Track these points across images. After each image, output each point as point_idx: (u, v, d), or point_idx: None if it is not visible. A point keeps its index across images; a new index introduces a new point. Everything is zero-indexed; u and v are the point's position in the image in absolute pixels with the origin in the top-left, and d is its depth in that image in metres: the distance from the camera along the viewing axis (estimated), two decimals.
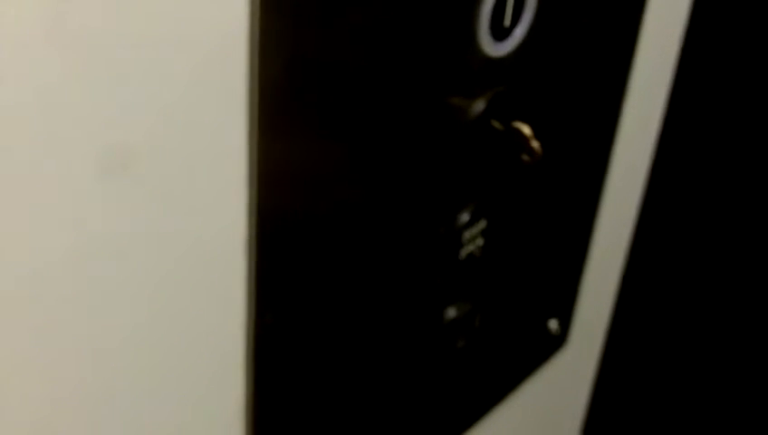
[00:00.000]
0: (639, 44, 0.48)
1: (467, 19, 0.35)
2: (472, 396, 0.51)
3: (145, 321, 0.30)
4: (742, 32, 0.82)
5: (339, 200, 0.35)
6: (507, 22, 0.37)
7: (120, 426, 0.32)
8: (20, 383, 0.28)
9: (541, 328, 0.54)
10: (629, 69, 0.48)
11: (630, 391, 0.99)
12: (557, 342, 0.57)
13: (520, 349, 0.54)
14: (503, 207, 0.44)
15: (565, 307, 0.56)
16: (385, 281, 0.39)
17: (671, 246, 0.93)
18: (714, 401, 0.98)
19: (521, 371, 0.55)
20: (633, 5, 0.46)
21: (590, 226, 0.54)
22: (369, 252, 0.37)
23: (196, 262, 0.31)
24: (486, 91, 0.38)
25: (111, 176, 0.27)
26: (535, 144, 0.38)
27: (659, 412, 1.00)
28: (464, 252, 0.43)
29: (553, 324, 0.55)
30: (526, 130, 0.38)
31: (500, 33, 0.37)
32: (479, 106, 0.38)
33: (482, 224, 0.43)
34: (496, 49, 0.37)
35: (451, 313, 0.44)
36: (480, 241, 0.43)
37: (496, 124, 0.38)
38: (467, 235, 0.42)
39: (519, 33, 0.38)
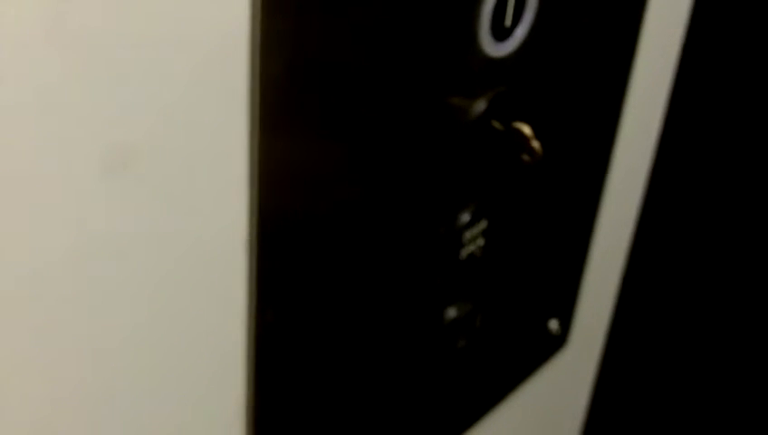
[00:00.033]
0: (640, 45, 0.48)
1: (468, 19, 0.35)
2: (472, 396, 0.51)
3: (145, 320, 0.30)
4: (742, 33, 0.82)
5: (339, 200, 0.35)
6: (508, 22, 0.37)
7: (120, 426, 0.32)
8: (20, 383, 0.28)
9: (541, 328, 0.54)
10: (630, 69, 0.48)
11: (630, 392, 0.99)
12: (557, 342, 0.57)
13: (520, 349, 0.54)
14: (503, 208, 0.44)
15: (565, 308, 0.56)
16: (386, 281, 0.39)
17: (671, 246, 0.93)
18: (714, 401, 0.98)
19: (521, 371, 0.55)
20: (634, 6, 0.46)
21: (590, 226, 0.54)
22: (370, 252, 0.37)
23: (197, 261, 0.31)
24: (487, 91, 0.38)
25: (112, 175, 0.27)
26: (536, 144, 0.38)
27: (659, 412, 1.00)
28: (464, 252, 0.43)
29: (554, 325, 0.55)
30: (527, 130, 0.38)
31: (501, 33, 0.37)
32: (480, 106, 0.38)
33: (482, 224, 0.43)
34: (497, 49, 0.37)
35: (452, 313, 0.44)
36: (481, 241, 0.43)
37: (497, 124, 0.38)
38: (468, 235, 0.42)
39: (520, 33, 0.38)
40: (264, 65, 0.29)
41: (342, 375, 0.40)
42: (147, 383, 0.32)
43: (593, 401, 0.69)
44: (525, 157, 0.38)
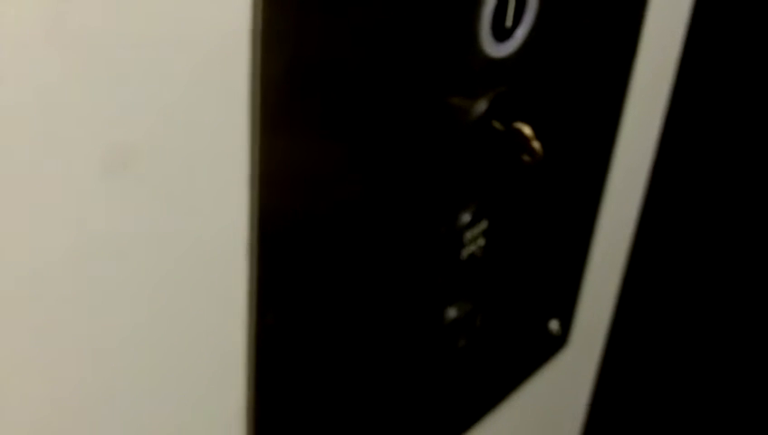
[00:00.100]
0: (641, 45, 0.48)
1: (469, 20, 0.35)
2: (472, 396, 0.51)
3: (145, 321, 0.30)
4: (743, 33, 0.82)
5: (340, 200, 0.35)
6: (509, 22, 0.37)
7: (120, 426, 0.32)
8: (20, 383, 0.28)
9: (541, 329, 0.54)
10: (631, 70, 0.48)
11: (630, 392, 0.99)
12: (558, 342, 0.57)
13: (521, 349, 0.54)
14: (504, 208, 0.44)
15: (566, 308, 0.56)
16: (386, 281, 0.39)
17: (672, 247, 0.93)
18: (714, 401, 0.98)
19: (521, 371, 0.55)
20: (635, 6, 0.46)
21: (591, 226, 0.54)
22: (371, 252, 0.37)
23: (197, 262, 0.31)
24: (488, 91, 0.38)
25: (112, 176, 0.27)
26: (536, 145, 0.38)
27: (659, 413, 1.00)
28: (465, 252, 0.43)
29: (554, 325, 0.55)
30: (527, 130, 0.38)
31: (501, 33, 0.37)
32: (480, 106, 0.38)
33: (483, 224, 0.43)
34: (498, 50, 0.37)
35: (452, 313, 0.44)
36: (481, 241, 0.43)
37: (497, 125, 0.38)
38: (469, 235, 0.42)
39: (520, 33, 0.38)
40: (264, 65, 0.28)
41: (343, 376, 0.40)
42: (147, 384, 0.32)
43: (593, 401, 0.69)
44: (526, 157, 0.38)
